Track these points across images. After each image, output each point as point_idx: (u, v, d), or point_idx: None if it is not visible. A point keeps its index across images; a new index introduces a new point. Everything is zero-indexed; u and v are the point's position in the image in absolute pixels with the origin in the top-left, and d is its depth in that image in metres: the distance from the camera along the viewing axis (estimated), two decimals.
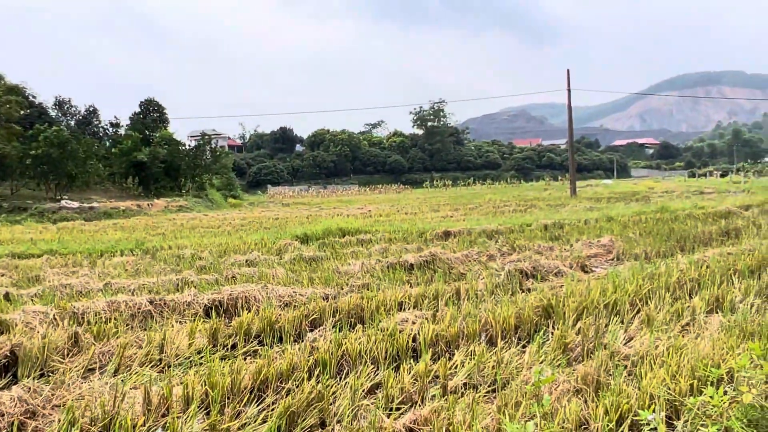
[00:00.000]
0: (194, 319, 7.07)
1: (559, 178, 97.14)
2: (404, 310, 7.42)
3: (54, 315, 7.00)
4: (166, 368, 5.63)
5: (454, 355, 5.76)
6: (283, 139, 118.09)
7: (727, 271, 9.17)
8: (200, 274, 10.65)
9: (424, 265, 11.07)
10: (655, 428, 3.01)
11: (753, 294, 7.72)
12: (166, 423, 4.13)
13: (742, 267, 9.36)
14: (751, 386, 3.64)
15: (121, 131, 62.91)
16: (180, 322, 7.18)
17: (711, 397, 3.36)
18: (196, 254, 13.70)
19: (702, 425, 3.43)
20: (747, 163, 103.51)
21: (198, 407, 4.48)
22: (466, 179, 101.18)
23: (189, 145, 64.99)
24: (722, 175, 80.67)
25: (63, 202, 39.94)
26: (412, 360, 5.64)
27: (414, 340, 6.09)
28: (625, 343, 5.91)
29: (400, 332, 6.13)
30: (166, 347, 5.98)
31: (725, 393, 3.55)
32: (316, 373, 5.22)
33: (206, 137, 64.74)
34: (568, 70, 44.39)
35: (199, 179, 57.83)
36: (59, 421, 4.14)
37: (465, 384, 5.09)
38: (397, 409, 4.53)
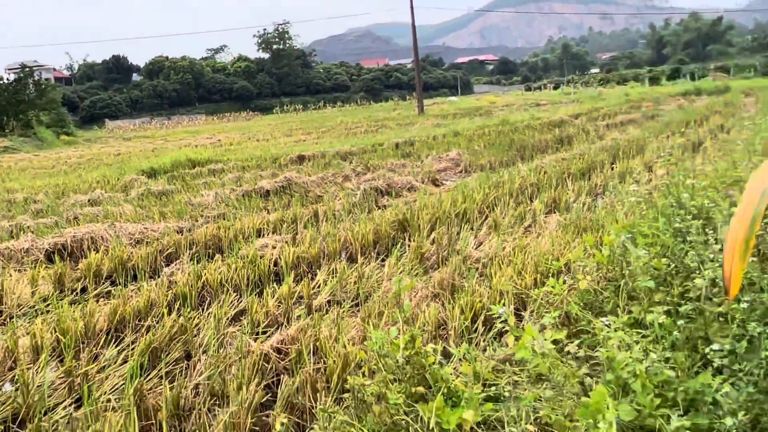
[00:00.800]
0: (35, 266, 6.55)
1: (407, 97, 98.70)
2: (263, 236, 7.36)
3: None
4: (9, 320, 5.21)
5: (316, 275, 5.84)
6: (118, 68, 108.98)
7: (562, 174, 9.94)
8: (37, 218, 9.81)
9: (281, 190, 10.97)
10: (506, 320, 3.26)
11: (584, 194, 8.47)
12: (14, 376, 3.86)
13: (575, 170, 10.19)
14: (586, 273, 4.04)
15: None
16: (19, 270, 6.63)
17: (552, 286, 3.69)
18: (30, 198, 12.57)
19: (546, 312, 3.77)
20: (576, 75, 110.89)
21: (50, 355, 4.22)
22: (316, 103, 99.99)
23: (7, 80, 58.28)
24: (555, 88, 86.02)
25: None
26: (275, 284, 5.64)
27: (275, 264, 6.09)
28: (476, 248, 6.29)
29: (260, 258, 6.09)
30: (6, 298, 5.52)
31: (564, 282, 3.91)
32: (176, 306, 5.08)
33: (27, 69, 58.37)
34: None
35: (24, 116, 52.31)
36: None
37: (329, 301, 5.20)
38: (264, 332, 4.54)
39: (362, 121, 39.98)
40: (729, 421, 2.15)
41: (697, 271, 3.35)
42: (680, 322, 3.01)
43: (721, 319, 3.02)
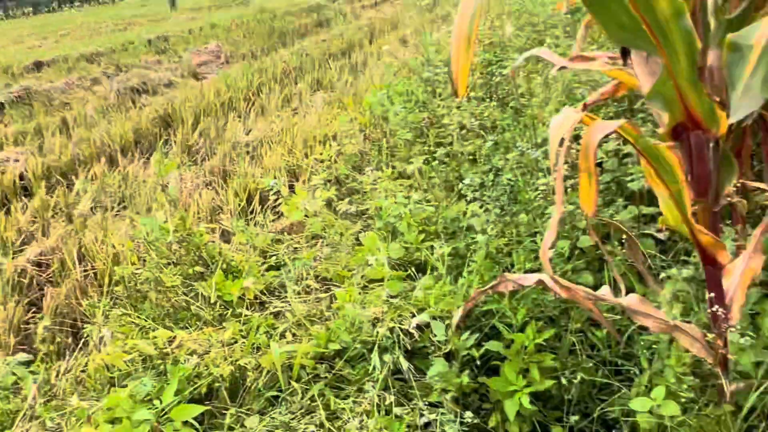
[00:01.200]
0: None
1: None
2: (2, 150, 6.47)
3: None
4: None
5: (74, 183, 5.33)
6: None
7: (324, 56, 9.97)
8: None
9: (18, 101, 9.64)
10: (279, 191, 3.27)
11: (347, 72, 8.60)
12: None
13: (336, 50, 10.28)
14: (351, 138, 4.16)
15: None
16: None
17: (321, 153, 3.74)
18: None
19: (316, 176, 3.84)
20: None
21: None
22: (49, 4, 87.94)
23: None
24: None
25: None
26: (25, 198, 5.06)
27: (22, 178, 5.44)
28: (246, 134, 6.15)
29: (2, 174, 5.39)
30: None
31: (332, 148, 3.99)
32: None
33: None
34: None
35: None
36: None
37: (93, 207, 4.79)
38: (20, 251, 4.09)
39: (107, 20, 35.97)
40: (481, 237, 2.40)
41: (447, 118, 3.60)
42: (436, 165, 3.24)
43: (470, 158, 3.31)
